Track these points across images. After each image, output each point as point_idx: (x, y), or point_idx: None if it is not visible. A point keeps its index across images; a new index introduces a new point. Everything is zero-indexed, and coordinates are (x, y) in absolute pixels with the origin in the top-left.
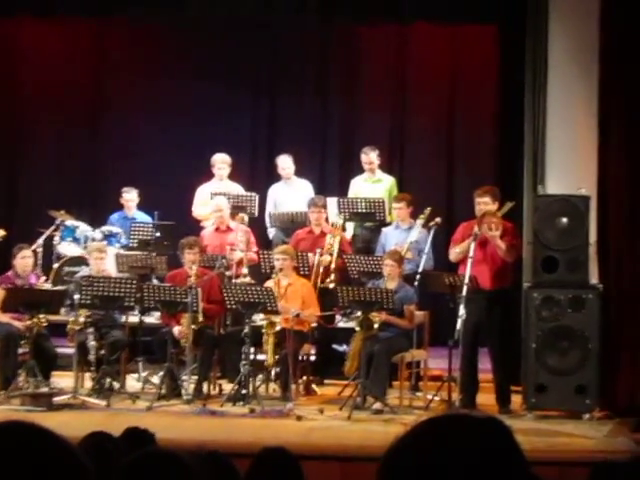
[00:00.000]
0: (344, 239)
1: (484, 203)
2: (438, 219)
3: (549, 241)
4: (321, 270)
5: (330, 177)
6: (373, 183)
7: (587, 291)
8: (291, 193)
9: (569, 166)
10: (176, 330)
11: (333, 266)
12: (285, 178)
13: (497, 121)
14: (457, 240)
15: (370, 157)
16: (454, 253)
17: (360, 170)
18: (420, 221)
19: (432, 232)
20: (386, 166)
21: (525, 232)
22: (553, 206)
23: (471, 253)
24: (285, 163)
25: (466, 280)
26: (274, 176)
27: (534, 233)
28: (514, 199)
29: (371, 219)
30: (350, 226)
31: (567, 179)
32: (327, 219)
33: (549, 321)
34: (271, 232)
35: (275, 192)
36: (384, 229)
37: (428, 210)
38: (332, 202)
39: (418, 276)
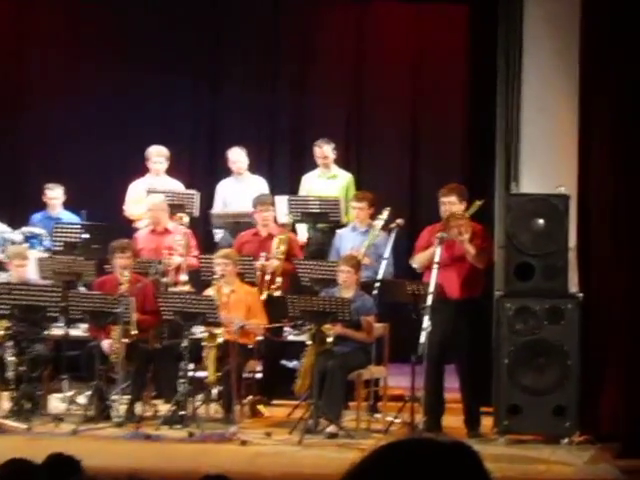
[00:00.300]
0: (294, 242)
1: (450, 203)
2: (400, 220)
3: (524, 245)
4: (268, 277)
5: (279, 173)
6: (328, 180)
7: (566, 301)
8: (242, 191)
9: (546, 162)
10: (106, 344)
11: (281, 272)
12: (236, 173)
13: (467, 112)
14: (421, 247)
15: (324, 151)
16: (418, 261)
17: (313, 165)
18: (379, 222)
19: (393, 235)
20: (342, 161)
21: (497, 235)
22: (528, 206)
23: (437, 258)
24: (237, 156)
25: (431, 288)
26: (217, 171)
27: (507, 236)
28: (484, 198)
29: (325, 220)
30: (302, 228)
31: (544, 176)
32: (276, 220)
33: (524, 334)
34: (218, 234)
35: (224, 189)
36: (339, 231)
37: (388, 210)
38: (281, 201)
39: (377, 284)
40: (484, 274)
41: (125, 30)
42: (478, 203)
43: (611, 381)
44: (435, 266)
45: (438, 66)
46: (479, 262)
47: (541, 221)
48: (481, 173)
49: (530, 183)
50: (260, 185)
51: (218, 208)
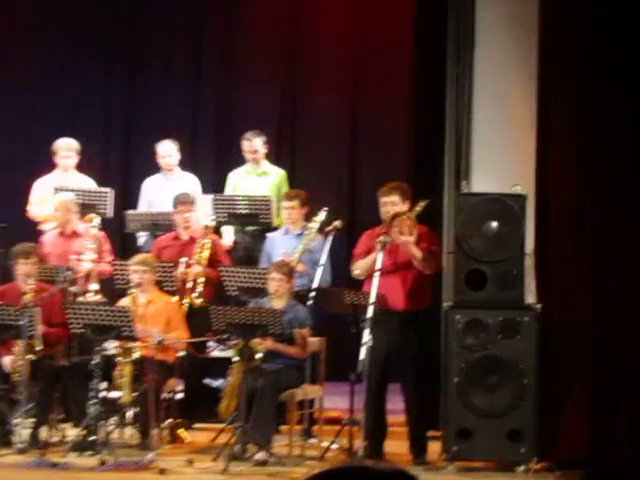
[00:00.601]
0: (219, 246)
1: (391, 203)
2: (338, 222)
3: (475, 250)
4: (190, 285)
5: (203, 169)
6: (258, 176)
7: (522, 313)
8: (171, 190)
9: (501, 158)
10: (7, 361)
11: (205, 280)
12: (165, 170)
13: (413, 103)
14: (360, 254)
15: (254, 144)
16: (358, 268)
17: (241, 160)
18: (315, 225)
19: (330, 239)
20: (274, 156)
21: (446, 240)
22: (481, 207)
23: (379, 264)
24: (167, 150)
25: (372, 298)
26: (133, 167)
27: (457, 241)
28: (430, 198)
29: (254, 222)
30: (228, 231)
31: (498, 174)
32: (199, 222)
33: (475, 350)
34: (141, 237)
35: (150, 188)
36: (270, 235)
37: (325, 211)
38: (205, 200)
39: (312, 293)
40: (431, 282)
41: (26, 11)
42: (422, 203)
43: (573, 402)
44: (377, 273)
45: (382, 53)
46: (426, 267)
47: (495, 224)
48: (428, 170)
49: (483, 182)
50: (191, 183)
51: (143, 208)
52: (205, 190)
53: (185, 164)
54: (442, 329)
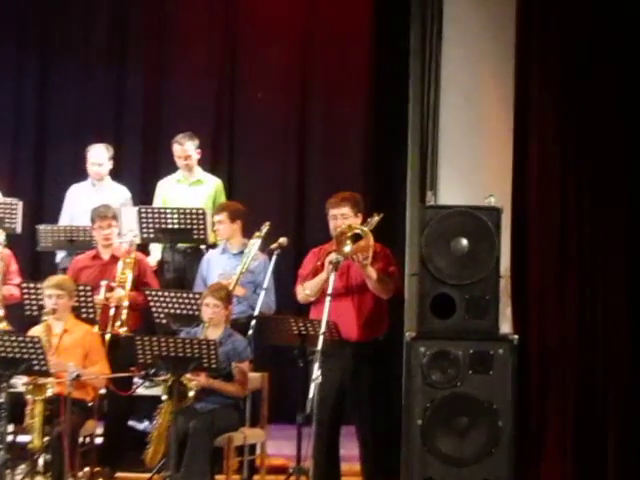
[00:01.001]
0: (146, 267)
1: (342, 216)
2: (283, 240)
3: (442, 272)
4: (112, 312)
5: (127, 176)
6: (190, 186)
7: (496, 344)
8: (98, 201)
9: (472, 165)
10: None
11: (129, 305)
12: (95, 178)
13: (370, 104)
14: (307, 275)
15: (186, 149)
16: (304, 293)
17: (171, 167)
18: (256, 242)
19: (274, 258)
20: (209, 163)
21: (408, 259)
22: (449, 222)
23: (330, 289)
24: (99, 156)
25: (322, 328)
26: (46, 173)
27: (421, 260)
28: (391, 212)
29: (186, 238)
30: (156, 248)
31: (469, 184)
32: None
33: (442, 387)
34: (60, 253)
35: (75, 197)
36: (206, 254)
37: (267, 226)
38: (129, 213)
39: (253, 322)
40: (388, 309)
41: None
42: (377, 217)
43: (554, 448)
44: (327, 298)
45: (336, 46)
46: (383, 291)
47: (464, 241)
48: (388, 181)
49: (451, 193)
50: (121, 195)
51: (65, 222)
52: (130, 200)
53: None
54: (404, 363)
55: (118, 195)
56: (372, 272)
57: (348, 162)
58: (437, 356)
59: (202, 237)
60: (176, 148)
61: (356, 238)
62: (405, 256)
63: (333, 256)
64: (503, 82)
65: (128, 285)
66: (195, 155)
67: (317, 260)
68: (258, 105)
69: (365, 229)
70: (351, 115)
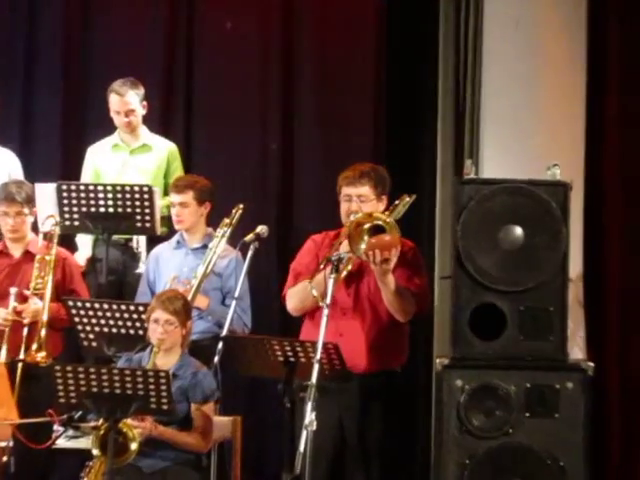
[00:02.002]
0: (72, 268)
1: (360, 198)
2: (262, 228)
3: (486, 274)
4: (25, 331)
5: (41, 139)
6: (133, 154)
7: (563, 376)
8: None
9: (527, 125)
10: None
11: (49, 321)
12: None
13: (380, 38)
14: (301, 272)
15: (127, 100)
16: (295, 299)
17: (106, 129)
18: (224, 232)
19: (250, 255)
20: (159, 123)
21: (438, 257)
22: (496, 202)
23: (328, 298)
24: None
25: (318, 352)
26: None
27: (456, 258)
28: (413, 192)
29: (127, 227)
30: (85, 242)
31: (523, 150)
32: (36, 227)
33: (487, 436)
34: None
35: None
36: (156, 249)
37: (239, 210)
38: (45, 193)
39: (221, 344)
40: (408, 327)
41: None
42: (408, 199)
43: None
44: (325, 312)
45: None
46: (399, 310)
47: (518, 230)
48: (409, 147)
49: (497, 162)
50: (7, 166)
51: None
52: (42, 174)
53: (10, 133)
54: (432, 402)
55: (2, 164)
56: (391, 281)
57: (352, 122)
58: (480, 392)
59: (149, 225)
60: (113, 100)
61: (376, 231)
62: (434, 252)
63: (337, 254)
64: (570, 14)
65: (48, 294)
66: (140, 110)
67: (319, 253)
68: (227, 41)
69: (390, 220)
70: (355, 58)
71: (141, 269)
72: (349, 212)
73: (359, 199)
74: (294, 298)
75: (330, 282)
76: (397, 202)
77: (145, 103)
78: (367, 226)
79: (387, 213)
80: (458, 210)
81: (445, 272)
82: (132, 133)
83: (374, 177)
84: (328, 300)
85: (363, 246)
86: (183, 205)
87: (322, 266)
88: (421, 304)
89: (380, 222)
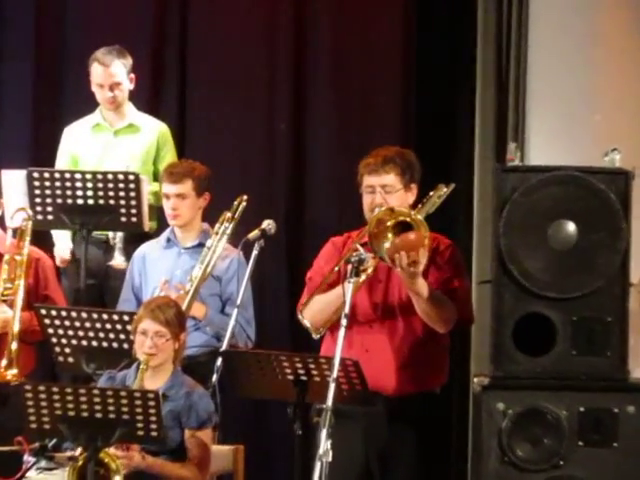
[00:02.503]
0: (46, 271)
1: (384, 187)
2: (268, 224)
3: (534, 278)
4: None
5: (6, 118)
6: (117, 135)
7: (624, 399)
8: None
9: (580, 104)
10: None
11: (20, 333)
12: None
13: (416, 8)
14: (319, 282)
15: (113, 71)
16: (314, 310)
17: (86, 106)
18: (225, 229)
19: (254, 255)
20: (147, 100)
21: (475, 258)
22: (544, 193)
23: (346, 308)
24: None
25: (335, 370)
26: None
27: (498, 259)
28: (450, 181)
29: (111, 223)
30: (61, 238)
31: (576, 133)
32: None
33: (534, 469)
34: None
35: None
36: (142, 248)
37: (242, 202)
38: (14, 180)
39: (220, 361)
40: (449, 342)
41: None
42: (445, 189)
43: None
44: (343, 321)
45: None
46: (436, 319)
47: (571, 227)
48: (443, 129)
49: (546, 147)
50: None
51: None
52: (10, 160)
53: None
54: (470, 429)
55: None
56: (423, 287)
57: (374, 98)
58: (525, 417)
59: (135, 220)
60: (96, 71)
61: (403, 229)
62: (471, 252)
63: (356, 254)
64: None
65: (19, 301)
66: (127, 83)
67: (341, 257)
68: (228, 5)
69: (418, 217)
70: (380, 20)
71: (118, 261)
72: (373, 206)
73: (384, 190)
74: (310, 313)
75: (349, 287)
76: (431, 193)
77: (133, 76)
78: (390, 223)
79: (420, 205)
80: (500, 203)
81: (484, 276)
82: (117, 111)
83: (400, 163)
84: (347, 309)
85: (387, 245)
86: (180, 197)
87: (338, 269)
88: (463, 311)
89: (406, 218)
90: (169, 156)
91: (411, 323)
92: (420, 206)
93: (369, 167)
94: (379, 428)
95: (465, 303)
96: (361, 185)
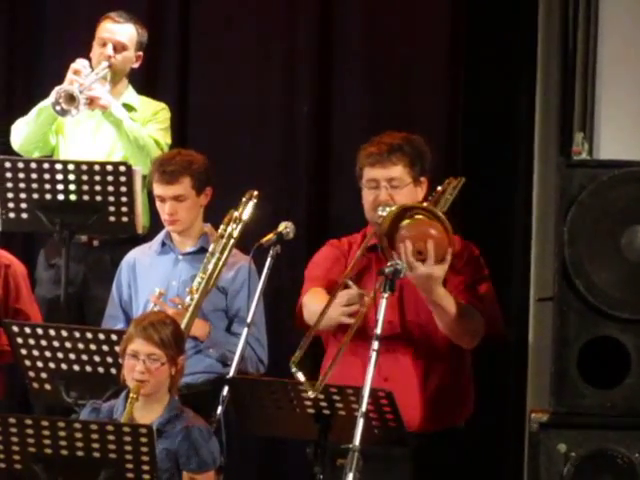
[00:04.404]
0: (19, 280)
1: (390, 181)
2: (286, 226)
3: (604, 295)
4: None
5: None
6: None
7: None
8: None
9: None
10: None
11: None
12: None
13: None
14: (319, 276)
15: (123, 31)
16: (314, 309)
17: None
18: (230, 230)
19: (269, 264)
20: (146, 78)
21: (534, 271)
22: (618, 194)
23: (379, 328)
24: None
25: (364, 403)
26: None
27: (562, 272)
28: (506, 177)
29: (98, 224)
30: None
31: None
32: None
33: None
34: None
35: None
36: (131, 254)
37: (253, 199)
38: None
39: (226, 390)
40: (471, 366)
41: None
42: (454, 183)
43: None
44: (375, 345)
45: None
46: (462, 333)
47: None
48: (497, 116)
49: (620, 139)
50: None
51: None
52: None
53: None
54: (525, 474)
55: None
56: (445, 298)
57: (412, 77)
58: (592, 462)
59: (126, 220)
60: (105, 26)
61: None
62: (529, 263)
63: (393, 262)
64: None
65: None
66: (132, 56)
67: (338, 261)
68: None
69: (438, 212)
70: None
71: None
72: (376, 204)
73: (390, 184)
74: (309, 309)
75: (383, 303)
76: (439, 188)
77: (141, 54)
78: (405, 223)
79: (432, 201)
80: (565, 204)
81: (545, 292)
82: (112, 82)
83: (409, 152)
84: (379, 328)
85: (406, 249)
86: (178, 199)
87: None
88: (491, 322)
89: (423, 215)
90: (161, 129)
91: (433, 343)
92: (430, 204)
93: (372, 157)
94: (404, 473)
95: (493, 312)
96: (361, 179)
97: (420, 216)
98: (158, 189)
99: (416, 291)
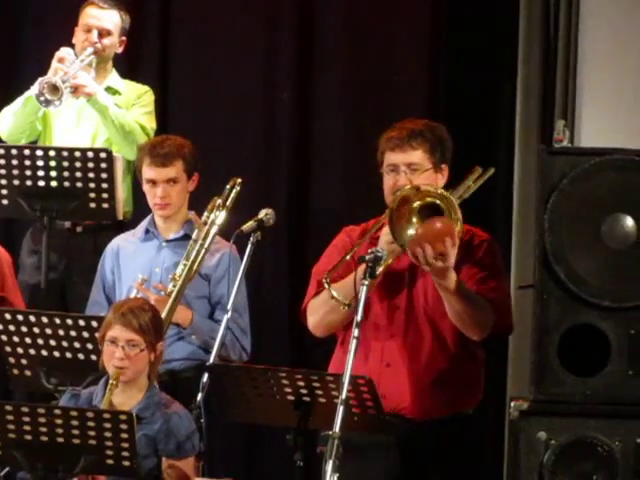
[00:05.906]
0: (3, 266)
1: (410, 166)
2: (267, 213)
3: (585, 283)
4: None
5: None
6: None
7: None
8: None
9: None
10: None
11: None
12: None
13: None
14: (331, 272)
15: (107, 17)
16: (318, 313)
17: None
18: (213, 216)
19: (249, 250)
20: (129, 63)
21: (514, 258)
22: (598, 181)
23: (358, 315)
24: None
25: (344, 389)
26: None
27: (542, 259)
28: (486, 164)
29: (78, 210)
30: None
31: (638, 112)
32: None
33: None
34: None
35: None
36: (115, 241)
37: (236, 186)
38: None
39: (206, 376)
40: (484, 355)
41: None
42: (477, 174)
43: None
44: (355, 332)
45: None
46: (472, 323)
47: (628, 222)
48: (478, 102)
49: (602, 126)
50: None
51: None
52: None
53: None
54: (505, 462)
55: None
56: (452, 282)
57: (394, 61)
58: (572, 449)
59: (107, 206)
60: (88, 12)
61: (430, 213)
62: (510, 251)
63: (373, 251)
64: None
65: None
66: (116, 41)
67: (353, 249)
68: None
69: (450, 197)
70: None
71: None
72: (396, 188)
73: (409, 169)
74: (316, 312)
75: (362, 290)
76: (468, 176)
77: (125, 39)
78: (416, 205)
79: (451, 189)
80: (546, 191)
81: (525, 280)
82: (96, 68)
83: (430, 138)
84: (359, 316)
85: (411, 232)
86: (171, 182)
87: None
88: (501, 316)
89: (435, 199)
90: (144, 112)
91: (440, 331)
92: (451, 190)
93: (392, 142)
94: (396, 461)
95: (503, 307)
96: (382, 164)
97: (429, 199)
98: (150, 172)
99: (426, 277)
